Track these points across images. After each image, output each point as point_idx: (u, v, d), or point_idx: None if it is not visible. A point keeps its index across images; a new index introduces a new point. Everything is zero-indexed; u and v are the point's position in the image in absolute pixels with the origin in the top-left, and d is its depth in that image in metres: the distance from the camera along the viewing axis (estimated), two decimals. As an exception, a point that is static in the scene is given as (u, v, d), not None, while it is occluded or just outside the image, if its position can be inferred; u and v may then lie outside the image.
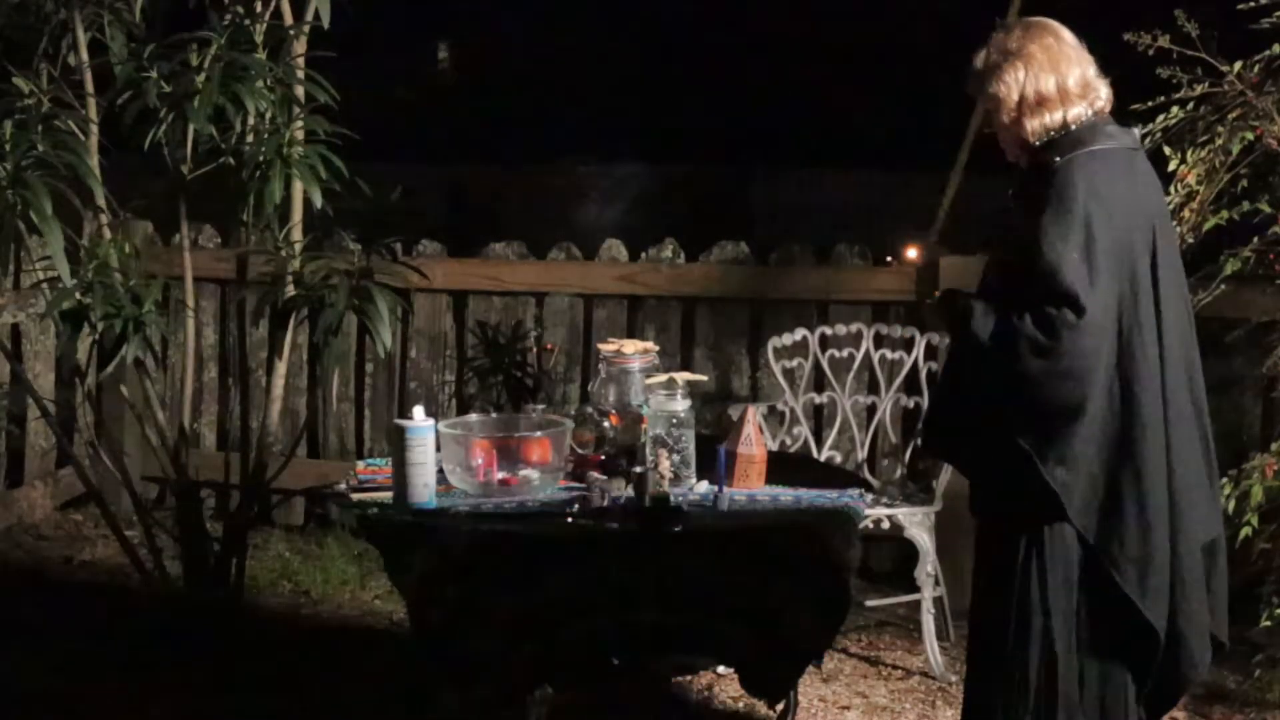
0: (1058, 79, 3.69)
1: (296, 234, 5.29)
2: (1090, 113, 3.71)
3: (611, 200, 10.72)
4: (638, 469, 3.87)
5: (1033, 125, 3.71)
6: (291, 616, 5.86)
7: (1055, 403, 3.58)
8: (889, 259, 6.59)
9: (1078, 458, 3.60)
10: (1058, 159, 3.64)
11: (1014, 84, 3.70)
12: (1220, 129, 4.83)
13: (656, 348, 4.50)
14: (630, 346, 4.39)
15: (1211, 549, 3.82)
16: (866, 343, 5.83)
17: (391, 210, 5.19)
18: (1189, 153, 4.85)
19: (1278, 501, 4.89)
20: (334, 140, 5.11)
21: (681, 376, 4.17)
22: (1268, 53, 4.81)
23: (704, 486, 4.02)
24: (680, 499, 3.89)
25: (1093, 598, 3.67)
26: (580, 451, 4.18)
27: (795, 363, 5.83)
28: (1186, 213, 4.85)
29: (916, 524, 5.32)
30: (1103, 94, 3.75)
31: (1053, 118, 3.69)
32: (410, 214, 5.45)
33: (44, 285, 5.44)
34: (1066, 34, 3.76)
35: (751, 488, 4.05)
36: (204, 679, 5.04)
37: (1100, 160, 3.66)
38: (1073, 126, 3.69)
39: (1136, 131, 3.87)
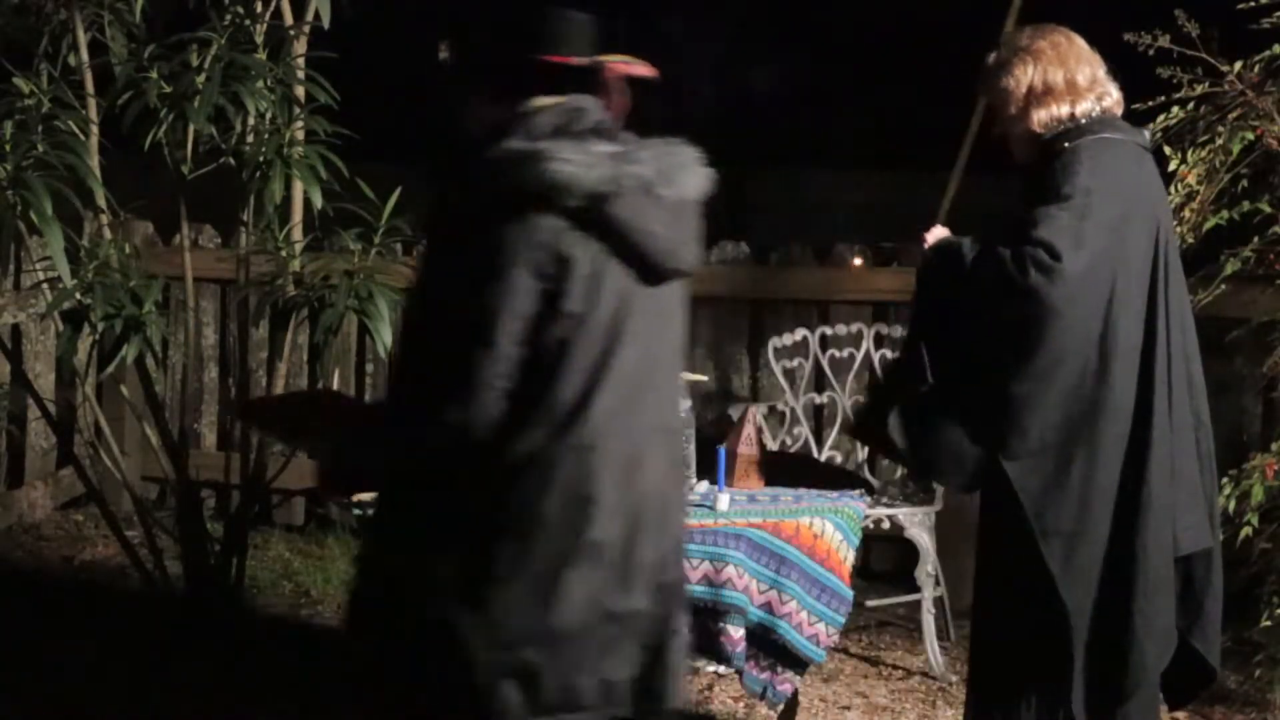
0: (1066, 73, 3.71)
1: (297, 234, 5.29)
2: (1099, 109, 3.73)
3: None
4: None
5: (1039, 116, 3.72)
6: (291, 616, 5.85)
7: (1006, 342, 3.59)
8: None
9: (1018, 406, 3.59)
10: (1066, 144, 3.67)
11: (1022, 77, 3.73)
12: (1220, 129, 4.83)
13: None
14: (630, 346, 4.38)
15: (1207, 563, 3.82)
16: (867, 343, 5.83)
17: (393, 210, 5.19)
18: (1189, 153, 4.85)
19: (1278, 501, 4.89)
20: (334, 140, 5.11)
21: (681, 376, 4.17)
22: (1268, 53, 4.81)
23: (704, 486, 4.02)
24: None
25: (1020, 576, 3.67)
26: (580, 451, 4.17)
27: (795, 363, 5.83)
28: (1186, 213, 4.85)
29: (916, 524, 5.32)
30: (1113, 93, 3.77)
31: (1060, 109, 3.71)
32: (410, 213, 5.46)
33: (44, 285, 5.45)
34: (1078, 37, 3.79)
35: (751, 488, 4.05)
36: (204, 679, 5.04)
37: (1110, 147, 3.70)
38: (1081, 120, 3.71)
39: (1146, 133, 3.88)
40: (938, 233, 3.82)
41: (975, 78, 3.87)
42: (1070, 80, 3.72)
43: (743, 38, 12.61)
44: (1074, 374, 3.61)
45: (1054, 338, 3.58)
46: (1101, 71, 3.78)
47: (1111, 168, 3.67)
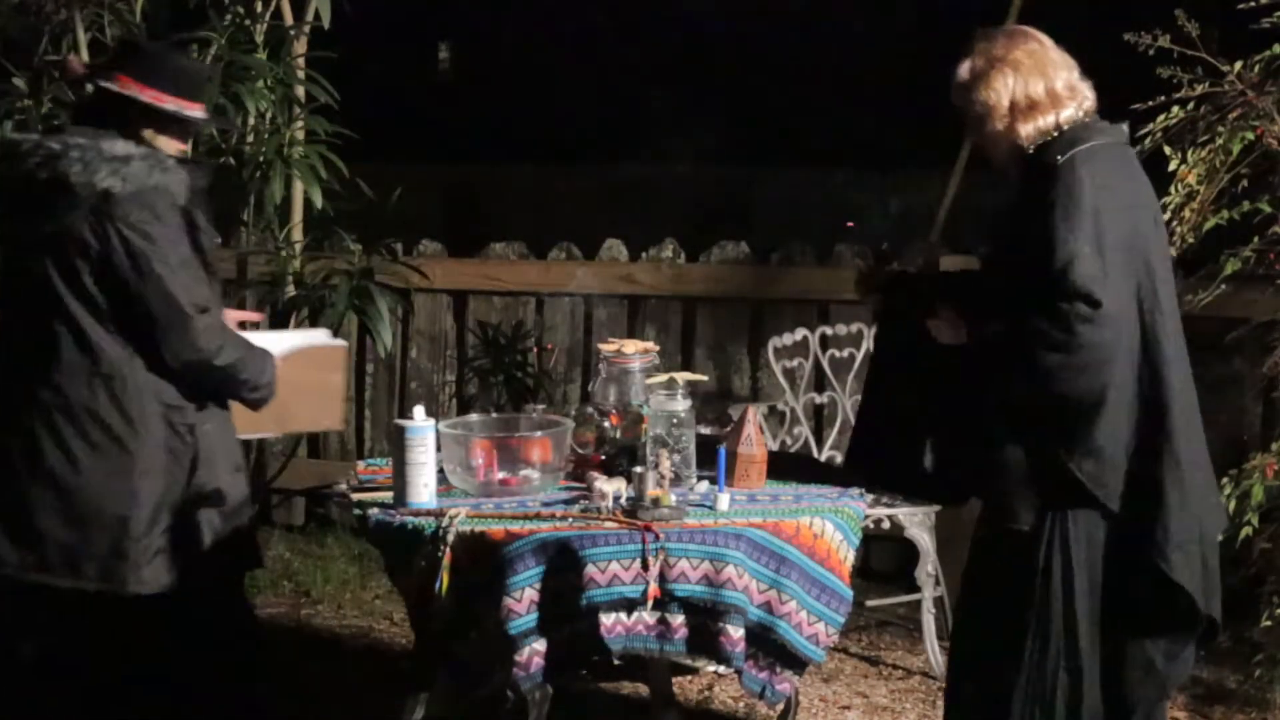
0: (1046, 83, 3.71)
1: (297, 234, 5.30)
2: (1080, 113, 3.74)
3: (612, 200, 10.73)
4: (638, 469, 3.87)
5: (1026, 130, 3.72)
6: (291, 616, 5.86)
7: (1074, 396, 3.62)
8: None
9: (1103, 449, 3.63)
10: (1059, 157, 3.66)
11: (1004, 90, 3.71)
12: (1220, 129, 4.83)
13: (656, 348, 4.50)
14: (630, 346, 4.39)
15: (1214, 546, 3.86)
16: (867, 343, 5.83)
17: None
18: (1189, 153, 4.84)
19: (1278, 501, 4.89)
20: (334, 140, 5.12)
21: (681, 376, 4.17)
22: (1268, 53, 4.81)
23: (704, 486, 4.02)
24: (680, 499, 3.89)
25: (1119, 591, 3.71)
26: (580, 451, 4.17)
27: (795, 363, 5.83)
28: (1186, 213, 4.85)
29: (916, 524, 5.32)
30: (1089, 95, 3.78)
31: (1045, 121, 3.71)
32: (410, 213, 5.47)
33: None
34: (1048, 40, 3.79)
35: (751, 488, 4.04)
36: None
37: (1100, 155, 3.70)
38: (1065, 128, 3.71)
39: (1124, 127, 3.88)
40: (950, 321, 3.80)
41: (950, 88, 3.83)
42: (1051, 90, 3.72)
43: (748, 39, 12.63)
44: (1127, 396, 3.64)
45: (1106, 369, 3.62)
46: (1076, 74, 3.77)
47: (1110, 178, 3.68)
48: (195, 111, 3.88)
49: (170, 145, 3.87)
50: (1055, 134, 3.70)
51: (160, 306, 3.73)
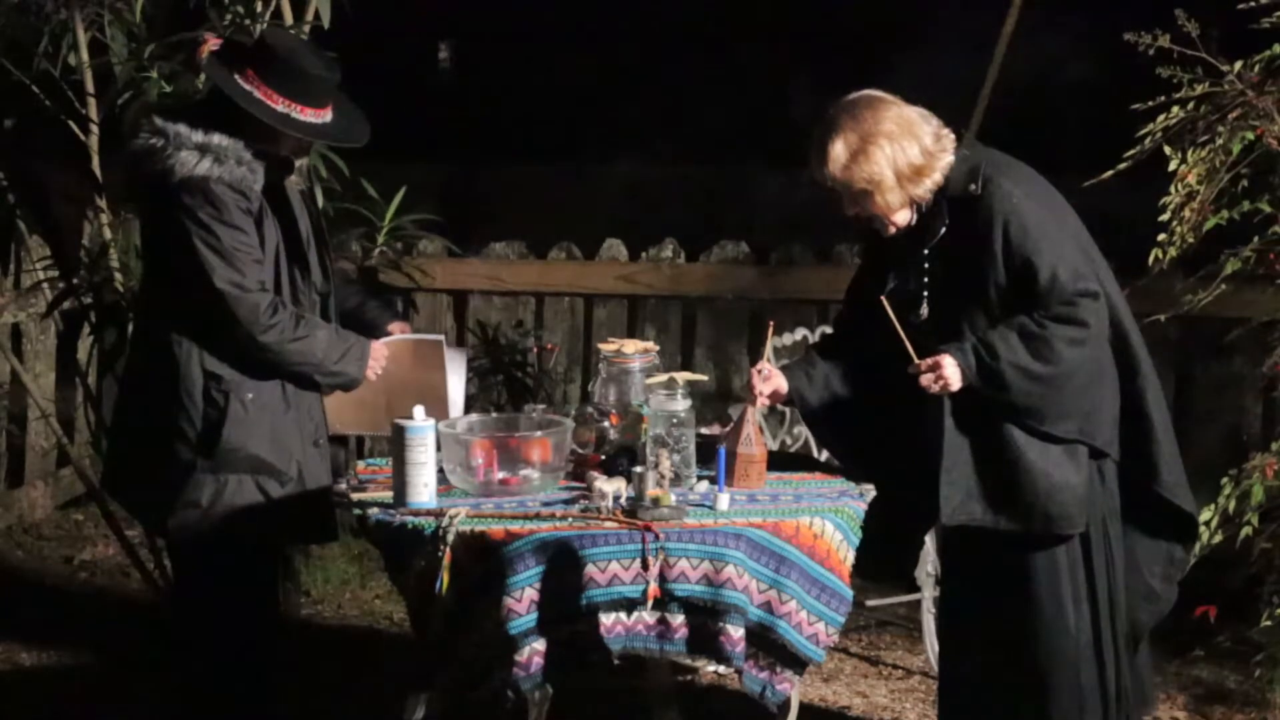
0: (919, 144, 3.85)
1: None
2: (952, 153, 3.86)
3: (612, 200, 10.73)
4: (638, 469, 3.87)
5: (917, 192, 3.85)
6: (292, 616, 5.85)
7: (1093, 375, 3.84)
8: None
9: (1106, 418, 3.87)
10: (973, 186, 3.79)
11: (885, 162, 3.82)
12: (1220, 129, 4.83)
13: (656, 348, 4.50)
14: (630, 346, 4.39)
15: None
16: (866, 343, 5.82)
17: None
18: (1189, 153, 4.84)
19: (1278, 501, 4.89)
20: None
21: (681, 376, 4.17)
22: (1268, 53, 4.80)
23: (704, 486, 4.02)
24: (680, 499, 3.89)
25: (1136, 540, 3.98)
26: (580, 451, 4.17)
27: (795, 362, 5.82)
28: (1187, 212, 4.84)
29: (916, 524, 5.31)
30: (950, 133, 3.90)
31: (932, 179, 3.85)
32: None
33: (44, 285, 5.45)
34: (899, 98, 3.89)
35: (751, 488, 4.05)
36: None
37: (1000, 161, 3.88)
38: (948, 172, 3.84)
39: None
40: (952, 368, 3.84)
41: (815, 161, 3.86)
42: (925, 149, 3.84)
43: (746, 40, 12.62)
44: (1109, 350, 3.90)
45: (1104, 342, 3.89)
46: (934, 120, 3.90)
47: (1022, 175, 3.87)
48: (307, 116, 3.99)
49: (280, 144, 4.01)
50: (945, 179, 3.83)
51: (201, 284, 3.89)
